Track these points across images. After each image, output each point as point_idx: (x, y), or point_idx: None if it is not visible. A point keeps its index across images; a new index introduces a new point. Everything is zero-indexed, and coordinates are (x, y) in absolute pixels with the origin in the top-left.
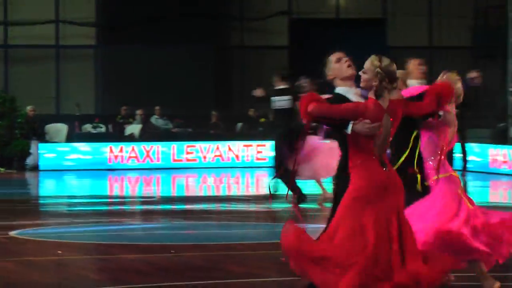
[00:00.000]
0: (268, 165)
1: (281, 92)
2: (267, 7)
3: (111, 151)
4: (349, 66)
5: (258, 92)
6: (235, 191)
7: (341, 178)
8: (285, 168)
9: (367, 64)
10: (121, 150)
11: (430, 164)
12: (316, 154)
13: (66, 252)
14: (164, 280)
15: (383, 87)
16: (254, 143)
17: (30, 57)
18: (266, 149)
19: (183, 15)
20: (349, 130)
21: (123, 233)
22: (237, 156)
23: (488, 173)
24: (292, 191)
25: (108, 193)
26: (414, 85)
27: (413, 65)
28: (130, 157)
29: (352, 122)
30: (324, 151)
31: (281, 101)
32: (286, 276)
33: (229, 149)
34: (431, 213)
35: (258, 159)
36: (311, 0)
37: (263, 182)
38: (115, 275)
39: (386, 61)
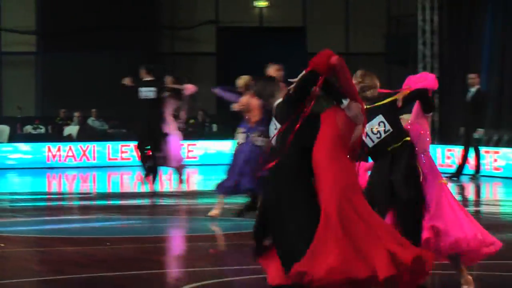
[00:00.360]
0: (198, 163)
1: (147, 84)
2: (196, 17)
3: (50, 151)
4: None
5: (127, 81)
6: (167, 187)
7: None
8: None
9: None
10: (59, 150)
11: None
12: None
13: (8, 245)
14: (100, 271)
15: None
16: (185, 142)
17: None
18: (196, 148)
19: (117, 23)
20: (345, 104)
21: (62, 227)
22: None
23: None
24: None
25: (47, 190)
26: None
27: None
28: (67, 156)
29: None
30: (173, 142)
31: (146, 92)
32: (211, 266)
33: None
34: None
35: (188, 157)
36: (236, 9)
37: (193, 179)
38: (55, 266)
39: None
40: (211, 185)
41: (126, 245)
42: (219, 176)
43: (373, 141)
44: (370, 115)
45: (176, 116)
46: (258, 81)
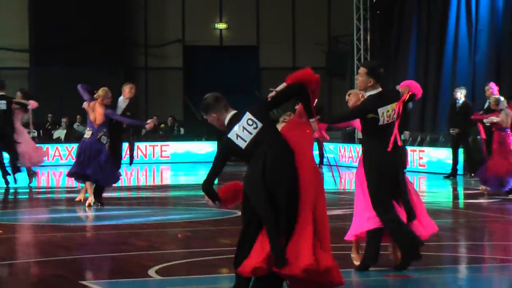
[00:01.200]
0: (169, 161)
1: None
2: (165, 36)
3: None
4: None
5: None
6: (143, 181)
7: None
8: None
9: None
10: (47, 150)
11: None
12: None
13: (6, 232)
14: (84, 253)
15: None
16: (158, 143)
17: None
18: (168, 148)
19: (97, 41)
20: (313, 120)
21: (51, 216)
22: (144, 154)
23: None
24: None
25: (38, 184)
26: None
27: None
28: (55, 155)
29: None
30: (25, 141)
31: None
32: (178, 249)
33: (138, 148)
34: None
35: (162, 156)
36: (200, 30)
37: (165, 174)
38: (45, 249)
39: None
40: (180, 180)
41: (105, 231)
42: (187, 171)
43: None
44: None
45: (26, 125)
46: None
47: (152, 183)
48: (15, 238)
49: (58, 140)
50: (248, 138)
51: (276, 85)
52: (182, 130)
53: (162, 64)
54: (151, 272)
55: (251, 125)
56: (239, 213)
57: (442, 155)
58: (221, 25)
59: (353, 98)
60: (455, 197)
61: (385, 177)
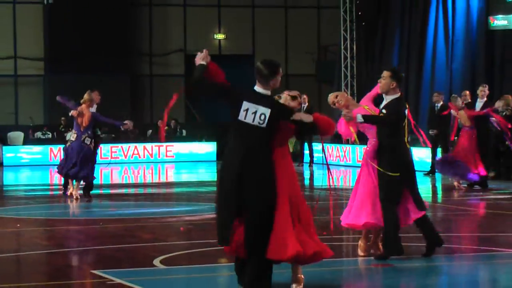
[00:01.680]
0: (174, 160)
1: None
2: (169, 45)
3: (52, 152)
4: None
5: None
6: (149, 179)
7: None
8: None
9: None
10: (59, 150)
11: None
12: None
13: (23, 225)
14: (94, 245)
15: None
16: (164, 144)
17: None
18: (172, 148)
19: (106, 51)
20: None
21: (64, 211)
22: (151, 154)
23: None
24: None
25: (50, 182)
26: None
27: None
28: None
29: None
30: None
31: None
32: (183, 240)
33: (144, 148)
34: None
35: (167, 156)
36: (200, 40)
37: (170, 173)
38: (59, 242)
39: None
40: (184, 177)
41: (115, 224)
42: (190, 169)
43: None
44: None
45: None
46: None
47: (158, 180)
48: (30, 231)
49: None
50: (249, 120)
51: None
52: (184, 132)
53: (165, 71)
54: (156, 262)
55: (260, 118)
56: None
57: (422, 154)
58: (220, 36)
59: (343, 98)
60: (434, 192)
61: (409, 173)
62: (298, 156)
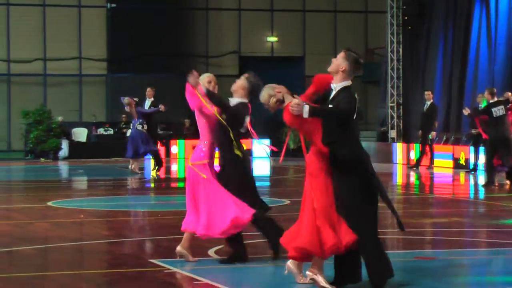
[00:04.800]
0: None
1: None
2: (224, 48)
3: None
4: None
5: None
6: None
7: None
8: None
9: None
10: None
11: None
12: None
13: (86, 216)
14: (152, 235)
15: None
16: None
17: (61, 82)
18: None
19: (165, 52)
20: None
21: (123, 203)
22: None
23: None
24: None
25: (112, 175)
26: None
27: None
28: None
29: None
30: None
31: None
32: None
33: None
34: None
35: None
36: (254, 43)
37: None
38: (119, 232)
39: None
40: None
41: (169, 217)
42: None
43: None
44: None
45: None
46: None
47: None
48: (92, 221)
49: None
50: None
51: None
52: None
53: (220, 72)
54: (211, 252)
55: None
56: (287, 202)
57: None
58: (273, 38)
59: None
60: (476, 189)
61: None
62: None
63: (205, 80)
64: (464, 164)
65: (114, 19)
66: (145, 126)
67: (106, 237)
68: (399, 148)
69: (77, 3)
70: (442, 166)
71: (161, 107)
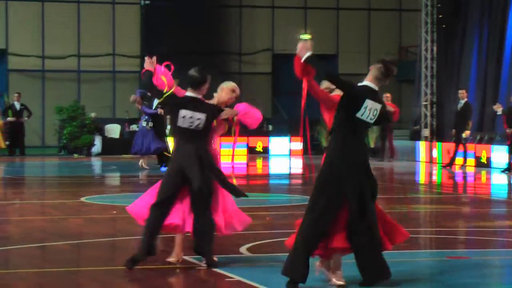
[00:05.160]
0: (263, 154)
1: None
2: (257, 45)
3: None
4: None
5: None
6: (240, 170)
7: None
8: None
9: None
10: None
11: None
12: None
13: (118, 212)
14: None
15: None
16: (255, 138)
17: (95, 78)
18: (263, 142)
19: (198, 50)
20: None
21: None
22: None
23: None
24: None
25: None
26: None
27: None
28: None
29: None
30: None
31: None
32: (269, 230)
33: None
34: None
35: (257, 149)
36: (286, 40)
37: (255, 164)
38: None
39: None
40: (269, 170)
41: None
42: (274, 160)
43: None
44: None
45: None
46: None
47: (246, 172)
48: (125, 217)
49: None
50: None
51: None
52: (270, 127)
53: (253, 69)
54: (243, 249)
55: (374, 113)
56: None
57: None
58: (306, 36)
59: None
60: (510, 189)
61: None
62: (378, 151)
63: (228, 88)
64: (485, 162)
65: (147, 16)
66: (150, 124)
67: (139, 234)
68: (422, 147)
69: (111, 0)
70: (468, 165)
71: (159, 111)
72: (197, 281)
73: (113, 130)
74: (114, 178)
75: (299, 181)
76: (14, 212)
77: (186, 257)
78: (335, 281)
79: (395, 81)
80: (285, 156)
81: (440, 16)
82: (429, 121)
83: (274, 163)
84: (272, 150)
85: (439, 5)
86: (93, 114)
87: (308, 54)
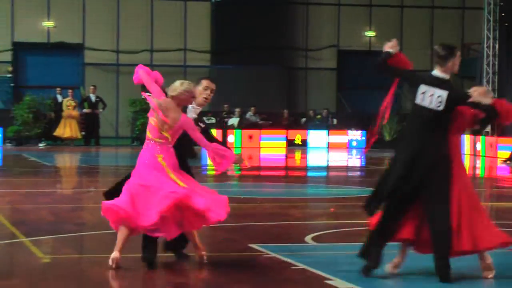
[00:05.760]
0: (324, 147)
1: None
2: (323, 42)
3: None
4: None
5: None
6: (302, 162)
7: None
8: None
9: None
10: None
11: None
12: None
13: None
14: (252, 221)
15: None
16: (319, 131)
17: (167, 72)
18: (324, 135)
19: (266, 45)
20: None
21: (225, 189)
22: (303, 140)
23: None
24: None
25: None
26: None
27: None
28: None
29: None
30: None
31: None
32: (332, 220)
33: (296, 134)
34: None
35: (318, 142)
36: (352, 37)
37: (318, 157)
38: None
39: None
40: (333, 162)
41: (268, 204)
42: (337, 156)
43: None
44: None
45: None
46: None
47: (308, 164)
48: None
49: (231, 127)
50: (425, 103)
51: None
52: (335, 121)
53: (319, 65)
54: (307, 238)
55: (438, 101)
56: None
57: None
58: (371, 33)
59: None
60: None
61: None
62: None
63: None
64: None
65: (218, 12)
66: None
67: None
68: (466, 140)
69: None
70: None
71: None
72: (263, 268)
73: None
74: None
75: (358, 173)
76: (89, 200)
77: (252, 245)
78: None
79: (457, 77)
80: (322, 149)
81: (503, 14)
82: None
83: (332, 156)
84: (311, 143)
85: (501, 4)
86: None
87: (391, 50)
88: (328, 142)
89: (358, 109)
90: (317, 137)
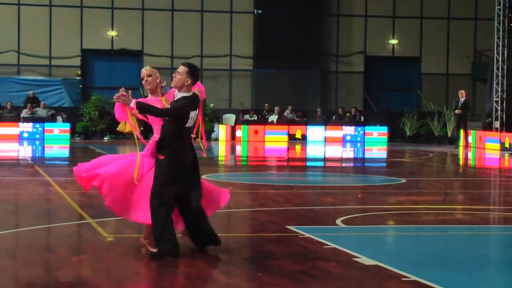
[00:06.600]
0: (353, 141)
1: None
2: (352, 48)
3: (256, 131)
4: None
5: None
6: (334, 154)
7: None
8: None
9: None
10: (263, 129)
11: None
12: None
13: (233, 188)
14: (289, 205)
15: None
16: (347, 127)
17: (215, 75)
18: (352, 131)
19: (303, 51)
20: None
21: (265, 177)
22: (303, 135)
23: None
24: None
25: (254, 154)
26: None
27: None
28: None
29: None
30: None
31: None
32: (360, 205)
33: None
34: None
35: (349, 137)
36: (377, 44)
37: (346, 150)
38: (261, 202)
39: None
40: (361, 155)
41: (304, 191)
42: (360, 148)
43: None
44: None
45: None
46: None
47: (339, 155)
48: (239, 193)
49: (271, 123)
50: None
51: (433, 87)
52: (362, 118)
53: (348, 69)
54: (338, 221)
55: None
56: (404, 180)
57: None
58: (394, 41)
59: (154, 81)
60: None
61: (185, 174)
62: (454, 140)
63: (144, 73)
64: (508, 147)
65: (260, 22)
66: None
67: (250, 206)
68: (461, 134)
69: (229, 10)
70: (490, 148)
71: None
72: (299, 247)
73: (229, 119)
74: (229, 159)
75: (379, 164)
76: None
77: (290, 227)
78: None
79: (470, 80)
80: (320, 142)
81: (511, 24)
82: (500, 114)
83: (348, 148)
84: (310, 137)
85: (510, 15)
86: (212, 105)
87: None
88: (325, 137)
89: (382, 108)
90: (315, 132)
